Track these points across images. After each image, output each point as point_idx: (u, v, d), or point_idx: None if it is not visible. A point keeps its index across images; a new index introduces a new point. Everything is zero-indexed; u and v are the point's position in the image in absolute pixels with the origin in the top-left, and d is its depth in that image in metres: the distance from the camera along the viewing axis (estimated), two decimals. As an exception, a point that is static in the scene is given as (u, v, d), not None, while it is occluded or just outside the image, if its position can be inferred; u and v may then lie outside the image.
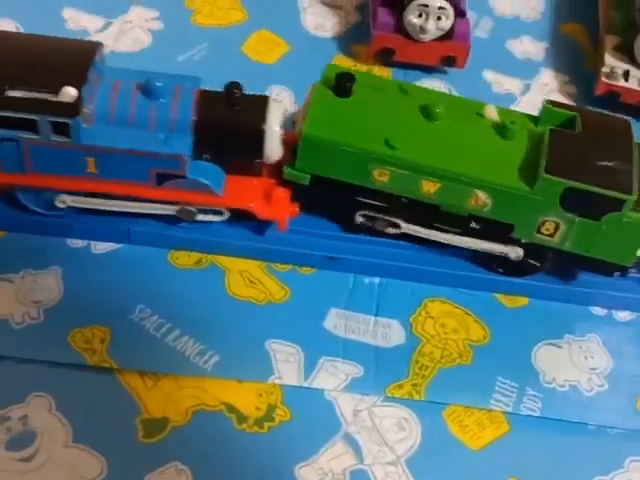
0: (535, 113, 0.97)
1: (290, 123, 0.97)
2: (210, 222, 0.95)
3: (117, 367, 0.86)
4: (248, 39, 1.23)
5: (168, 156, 0.87)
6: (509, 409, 0.89)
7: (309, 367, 0.89)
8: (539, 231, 0.92)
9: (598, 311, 0.99)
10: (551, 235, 0.92)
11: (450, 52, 1.20)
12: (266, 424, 0.85)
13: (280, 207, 0.94)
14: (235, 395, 0.86)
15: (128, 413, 0.84)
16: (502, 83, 1.25)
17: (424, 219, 0.95)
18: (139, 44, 1.20)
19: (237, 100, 0.89)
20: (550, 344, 0.95)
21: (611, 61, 1.20)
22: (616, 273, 0.95)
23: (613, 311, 0.99)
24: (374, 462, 0.84)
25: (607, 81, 1.19)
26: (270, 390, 0.87)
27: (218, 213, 0.95)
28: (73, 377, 0.86)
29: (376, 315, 0.94)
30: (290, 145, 0.92)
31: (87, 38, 1.19)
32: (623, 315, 0.99)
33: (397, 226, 0.96)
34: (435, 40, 1.19)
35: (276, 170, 0.95)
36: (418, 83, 1.21)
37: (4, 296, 0.90)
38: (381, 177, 0.91)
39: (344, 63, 1.22)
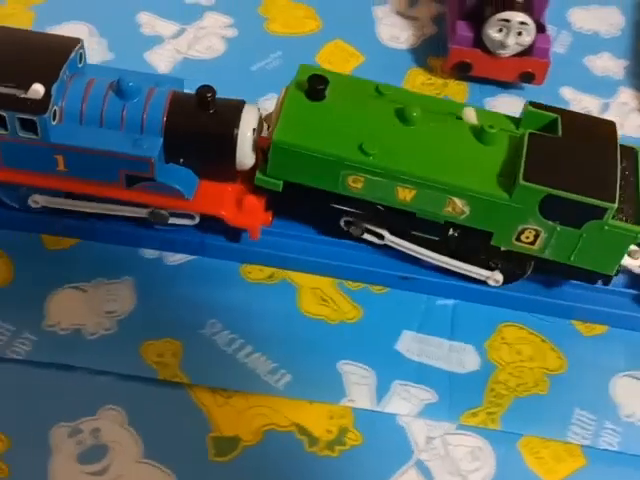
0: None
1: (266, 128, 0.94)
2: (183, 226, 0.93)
3: (189, 382, 0.85)
4: (322, 49, 1.22)
5: (136, 158, 0.85)
6: (587, 442, 0.86)
7: (382, 390, 0.87)
8: (519, 239, 0.89)
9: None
10: (531, 243, 0.88)
11: (529, 68, 1.17)
12: (337, 447, 0.83)
13: (252, 215, 0.92)
14: (306, 416, 0.85)
15: (199, 429, 0.83)
16: (580, 100, 1.22)
17: (401, 226, 0.92)
18: (213, 51, 1.19)
19: (210, 104, 0.86)
20: (629, 375, 0.92)
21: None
22: (599, 282, 0.92)
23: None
24: (447, 492, 0.82)
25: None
26: (341, 412, 0.86)
27: (190, 217, 0.93)
28: (144, 390, 0.85)
29: (450, 339, 0.92)
30: (264, 150, 0.90)
31: (161, 44, 1.20)
32: None
33: (381, 237, 0.94)
34: (514, 55, 1.16)
35: (251, 176, 0.92)
36: (495, 98, 1.19)
37: (77, 305, 0.90)
38: (355, 184, 0.88)
39: (419, 76, 1.21)
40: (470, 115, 0.90)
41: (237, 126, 0.86)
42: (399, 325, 0.93)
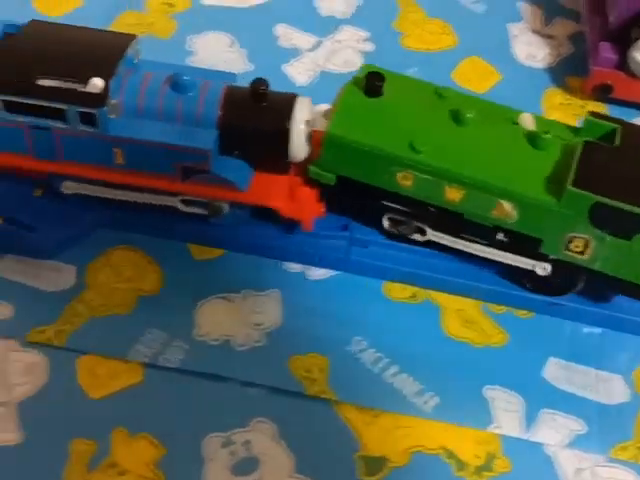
0: None
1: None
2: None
3: (336, 399, 0.86)
4: (458, 66, 1.21)
5: (193, 150, 0.86)
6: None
7: (530, 418, 0.86)
8: (568, 248, 0.87)
9: None
10: (581, 252, 0.86)
11: (674, 92, 1.14)
12: (485, 474, 0.83)
13: (305, 206, 0.92)
14: (454, 440, 0.85)
15: (347, 447, 0.83)
16: None
17: (450, 228, 0.92)
18: (350, 65, 1.19)
19: (263, 97, 0.87)
20: None
21: None
22: None
23: None
24: (598, 526, 0.81)
25: None
26: (488, 438, 0.85)
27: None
28: (292, 404, 0.86)
29: (597, 368, 0.91)
30: (319, 143, 0.89)
31: (298, 56, 1.20)
32: None
33: (423, 232, 0.93)
34: (658, 79, 1.14)
35: (305, 168, 0.92)
36: (636, 121, 1.16)
37: (226, 316, 0.91)
38: (405, 181, 0.88)
39: (557, 96, 1.19)
40: (527, 120, 0.90)
41: (290, 118, 0.87)
42: (545, 352, 0.92)
